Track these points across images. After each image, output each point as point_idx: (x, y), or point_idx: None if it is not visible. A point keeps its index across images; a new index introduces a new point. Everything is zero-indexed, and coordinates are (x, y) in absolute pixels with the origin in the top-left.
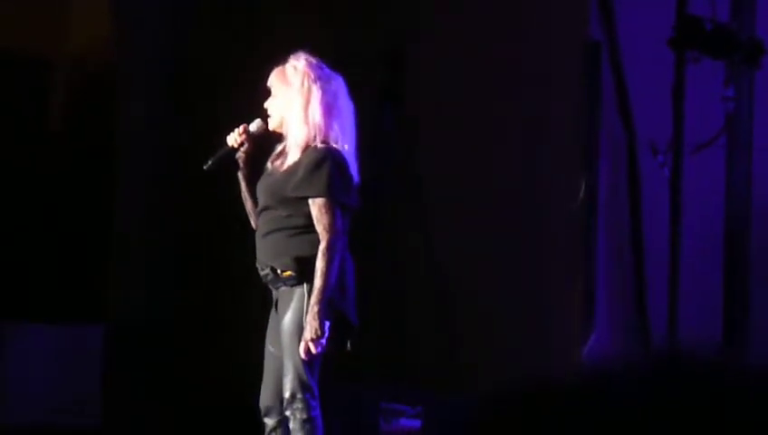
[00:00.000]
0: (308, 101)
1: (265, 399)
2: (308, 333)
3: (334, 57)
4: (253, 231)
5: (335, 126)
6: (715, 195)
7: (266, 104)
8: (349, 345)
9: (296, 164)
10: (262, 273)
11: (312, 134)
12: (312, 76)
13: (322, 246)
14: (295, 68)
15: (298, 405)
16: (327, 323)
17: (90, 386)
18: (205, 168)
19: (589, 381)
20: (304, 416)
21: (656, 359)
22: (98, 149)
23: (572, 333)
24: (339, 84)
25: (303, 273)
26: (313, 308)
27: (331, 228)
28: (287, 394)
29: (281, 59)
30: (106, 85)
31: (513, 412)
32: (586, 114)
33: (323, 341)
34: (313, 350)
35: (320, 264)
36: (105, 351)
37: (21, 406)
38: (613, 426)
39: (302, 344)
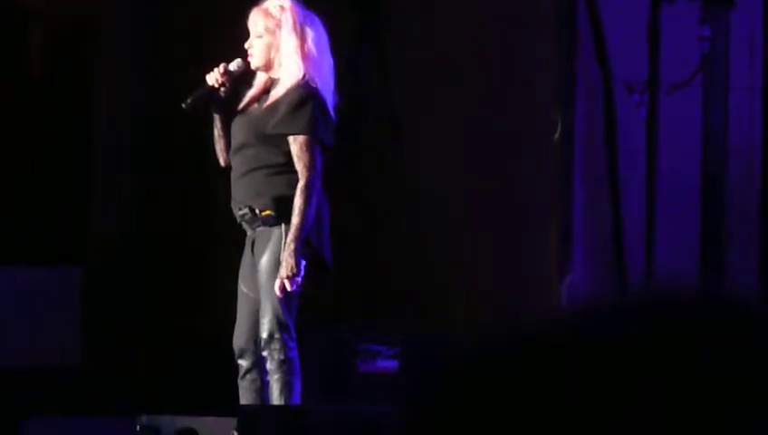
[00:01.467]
0: (303, 38)
1: (239, 340)
2: (284, 271)
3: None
4: (227, 171)
5: (325, 62)
6: (692, 135)
7: (248, 44)
8: (323, 285)
9: (278, 101)
10: (239, 212)
11: (308, 69)
12: (301, 16)
13: (301, 183)
14: (282, 7)
15: (276, 345)
16: (303, 262)
17: (68, 327)
18: (183, 106)
19: (571, 322)
20: (282, 356)
21: (633, 300)
22: (77, 92)
23: (550, 273)
24: (320, 24)
25: (282, 212)
26: (290, 245)
27: (312, 167)
28: (265, 334)
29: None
30: (86, 30)
31: (503, 355)
32: (562, 54)
33: (299, 279)
34: (289, 287)
35: (298, 201)
36: (83, 292)
37: None
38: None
39: (278, 281)
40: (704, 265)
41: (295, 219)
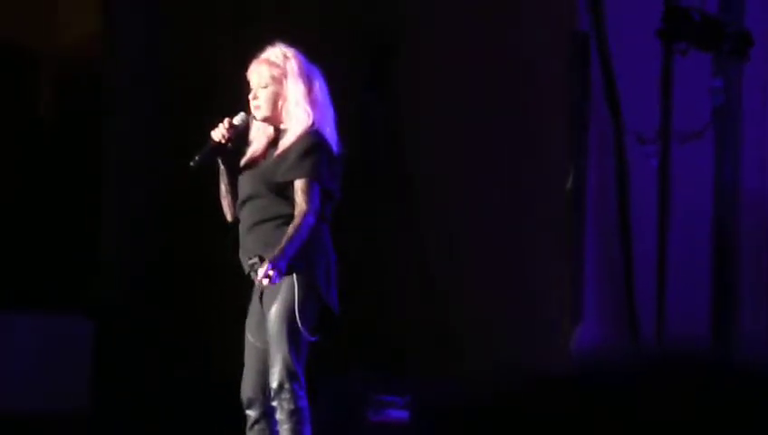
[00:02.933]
0: (310, 88)
1: (247, 390)
2: (271, 260)
3: (322, 47)
4: (235, 224)
5: (330, 111)
6: (704, 186)
7: (252, 95)
8: (331, 337)
9: (288, 149)
10: (248, 263)
11: (316, 117)
12: (306, 65)
13: (300, 209)
14: (286, 56)
15: (285, 395)
16: (282, 264)
17: (77, 374)
18: (191, 165)
19: (581, 375)
20: (292, 406)
21: (643, 359)
22: (85, 141)
23: (561, 321)
24: (319, 75)
25: (292, 263)
26: (282, 244)
27: (310, 203)
28: (274, 384)
29: (254, 54)
30: (93, 79)
31: (506, 405)
32: (574, 104)
33: (276, 274)
34: (271, 274)
35: (296, 220)
36: (94, 340)
37: (8, 394)
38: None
39: (262, 271)
40: (715, 316)
41: (290, 229)
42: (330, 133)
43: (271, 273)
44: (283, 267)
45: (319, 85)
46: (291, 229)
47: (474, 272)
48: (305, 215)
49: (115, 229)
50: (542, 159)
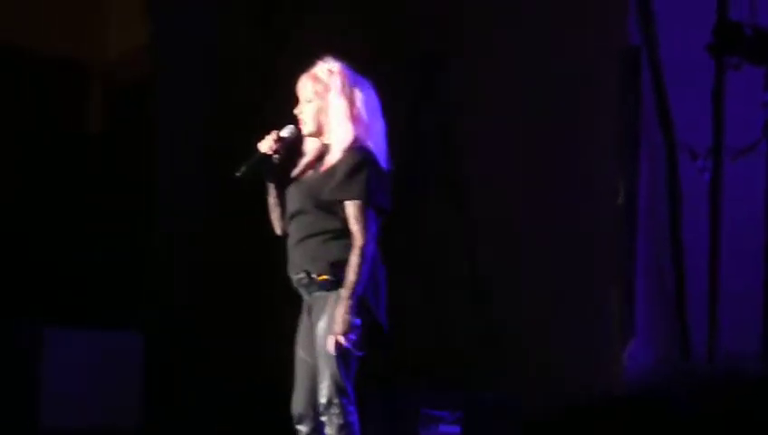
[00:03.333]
0: (352, 103)
1: (298, 405)
2: (338, 327)
3: (375, 59)
4: (284, 238)
5: (377, 125)
6: (756, 200)
7: (298, 110)
8: (380, 352)
9: (334, 166)
10: (295, 277)
11: (359, 132)
12: (351, 78)
13: (357, 244)
14: (331, 71)
15: (335, 410)
16: (358, 321)
17: (130, 390)
18: (237, 174)
19: (635, 394)
20: (341, 421)
21: (699, 374)
22: (138, 156)
23: (613, 337)
24: (370, 88)
25: (339, 277)
26: (345, 302)
27: (367, 231)
28: (324, 399)
29: (308, 65)
30: (144, 91)
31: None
32: (625, 119)
33: (353, 336)
34: (343, 344)
35: (353, 259)
36: (146, 356)
37: (62, 410)
38: None
39: (331, 338)
40: (767, 332)
41: (350, 276)
42: (377, 147)
43: (342, 340)
44: (355, 308)
45: (365, 99)
46: (354, 259)
47: (526, 287)
48: (363, 249)
49: (167, 245)
50: (594, 175)
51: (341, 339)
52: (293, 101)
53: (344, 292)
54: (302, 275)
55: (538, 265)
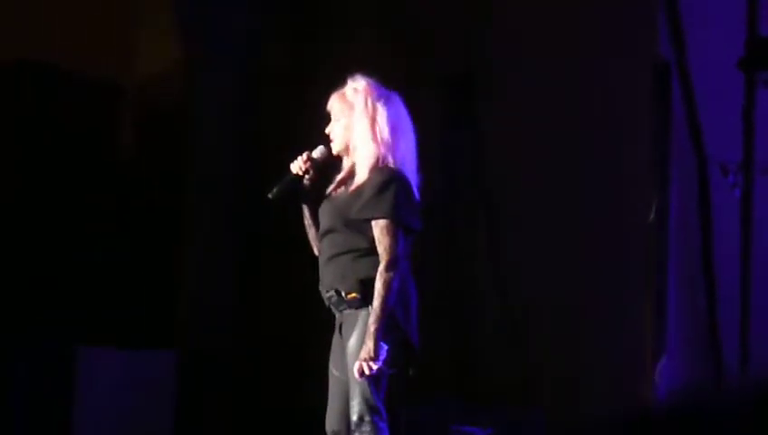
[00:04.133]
0: (374, 120)
1: (332, 423)
2: (364, 353)
3: (406, 79)
4: (316, 258)
5: (401, 144)
6: None
7: (328, 129)
8: (410, 370)
9: (362, 185)
10: (326, 295)
11: (382, 152)
12: (375, 95)
13: (382, 266)
14: (356, 90)
15: (366, 428)
16: (384, 347)
17: (161, 411)
18: (269, 196)
19: (670, 416)
20: None
21: (732, 393)
22: (170, 176)
23: (643, 354)
24: (399, 103)
25: (368, 295)
26: (370, 328)
27: (392, 250)
28: (355, 417)
29: (339, 83)
30: (177, 111)
31: None
32: (656, 134)
33: (380, 362)
34: (367, 371)
35: (378, 284)
36: (178, 376)
37: (95, 429)
38: None
39: (357, 364)
40: None
41: (376, 302)
42: (404, 165)
43: (370, 366)
44: (381, 333)
45: (391, 116)
46: (378, 284)
47: (557, 304)
48: (390, 263)
49: (200, 264)
50: (625, 191)
51: (365, 366)
52: (326, 120)
53: (371, 318)
54: (332, 293)
55: (569, 279)
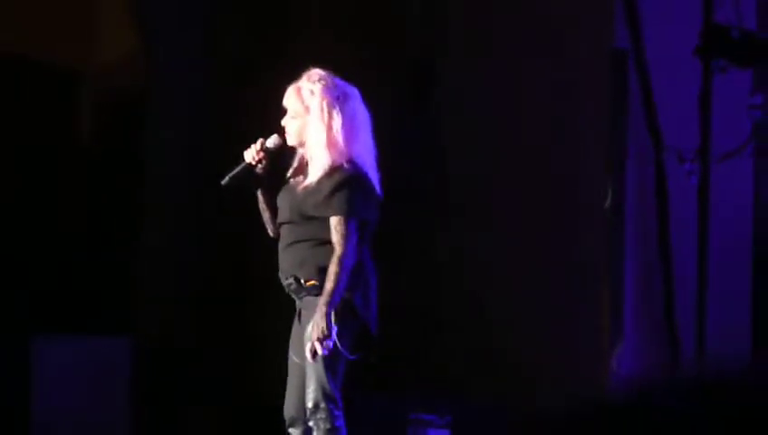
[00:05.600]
0: (329, 127)
1: (290, 409)
2: (315, 333)
3: (359, 70)
4: (275, 241)
5: (356, 144)
6: (743, 203)
7: (284, 122)
8: (369, 357)
9: (318, 184)
10: (285, 282)
11: (336, 157)
12: (329, 99)
13: (336, 253)
14: (312, 92)
15: (321, 415)
16: (335, 328)
17: (118, 396)
18: (222, 184)
19: (630, 403)
20: (328, 426)
21: (688, 381)
22: (126, 162)
23: (601, 341)
24: (355, 99)
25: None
26: (321, 308)
27: (347, 240)
28: (310, 404)
29: (295, 75)
30: (134, 98)
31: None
32: (613, 122)
33: (330, 342)
34: (319, 350)
35: (332, 268)
36: (133, 363)
37: (50, 418)
38: None
39: (309, 344)
40: (755, 336)
41: (328, 284)
42: (362, 161)
43: (318, 347)
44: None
45: (349, 117)
46: (332, 268)
47: (513, 292)
48: (341, 259)
49: (156, 251)
50: (581, 178)
51: (317, 345)
52: (281, 110)
53: (322, 299)
54: (291, 280)
55: (526, 267)
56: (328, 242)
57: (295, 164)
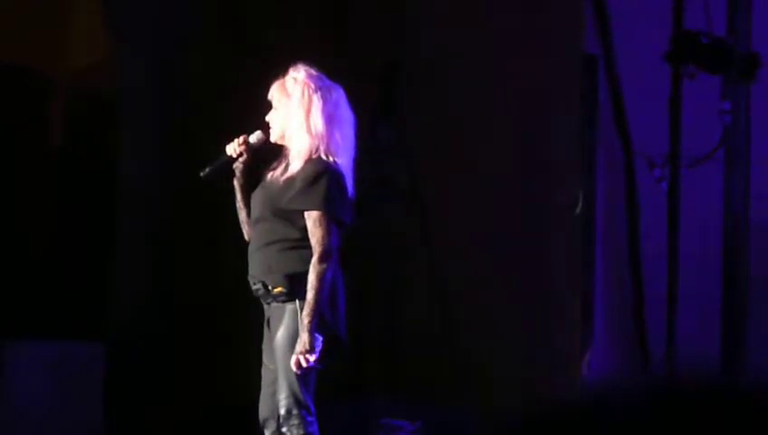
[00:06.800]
0: (309, 111)
1: (264, 411)
2: (299, 346)
3: (331, 71)
4: (248, 244)
5: (336, 136)
6: (713, 209)
7: (268, 117)
8: (339, 362)
9: (294, 175)
10: (253, 287)
11: (315, 144)
12: (313, 86)
13: (314, 259)
14: (295, 79)
15: (294, 421)
16: (320, 338)
17: (90, 402)
18: (201, 175)
19: (589, 405)
20: (301, 432)
21: (654, 385)
22: (97, 167)
23: (571, 347)
24: (339, 95)
25: (295, 289)
26: (304, 320)
27: (325, 242)
28: (282, 411)
29: (281, 72)
30: (105, 103)
31: None
32: (583, 127)
33: (315, 355)
34: (304, 363)
35: (311, 277)
36: (106, 368)
37: (21, 424)
38: None
39: (294, 358)
40: (724, 342)
41: (309, 295)
42: (341, 160)
43: (307, 359)
44: (315, 326)
45: (329, 108)
46: (311, 276)
47: (486, 296)
48: (322, 255)
49: (128, 255)
50: (551, 184)
51: (302, 359)
52: (266, 108)
53: (304, 311)
54: (259, 286)
55: (497, 275)
56: (298, 246)
57: (274, 164)
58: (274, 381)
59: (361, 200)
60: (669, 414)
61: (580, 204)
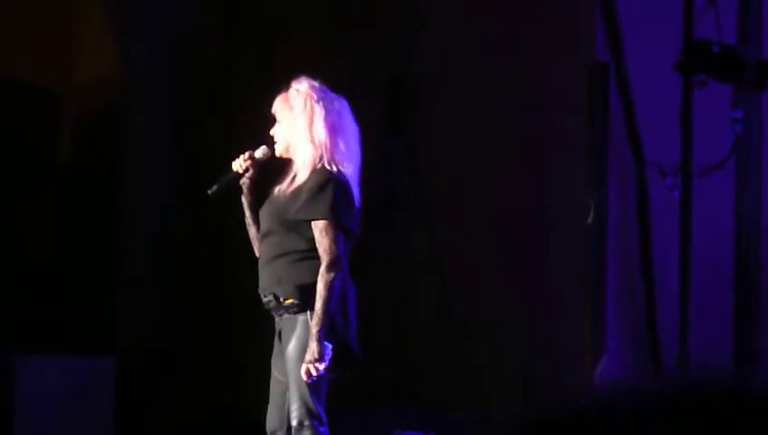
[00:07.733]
0: (311, 121)
1: (272, 423)
2: (309, 356)
3: (335, 86)
4: (257, 258)
5: (340, 145)
6: (725, 217)
7: (272, 131)
8: (348, 374)
9: (301, 187)
10: (264, 300)
11: (319, 153)
12: (315, 97)
13: (322, 268)
14: (297, 91)
15: (306, 432)
16: (329, 347)
17: (100, 416)
18: (209, 193)
19: (600, 409)
20: None
21: (666, 388)
22: (106, 181)
23: (584, 355)
24: (343, 106)
25: (306, 300)
26: (313, 330)
27: (332, 251)
28: (294, 422)
29: (284, 86)
30: (114, 116)
31: None
32: (594, 136)
33: (325, 364)
34: (314, 373)
35: (319, 286)
36: (117, 382)
37: None
38: None
39: (304, 367)
40: (738, 350)
41: (317, 304)
42: (344, 168)
43: (317, 368)
44: (324, 335)
45: (332, 118)
46: (319, 286)
47: (497, 307)
48: (330, 265)
49: (137, 270)
50: (563, 193)
51: (312, 368)
52: (271, 122)
53: (313, 321)
54: (270, 298)
55: (509, 285)
56: (307, 257)
57: (281, 177)
58: (284, 393)
59: (370, 212)
60: (681, 417)
61: (591, 213)
